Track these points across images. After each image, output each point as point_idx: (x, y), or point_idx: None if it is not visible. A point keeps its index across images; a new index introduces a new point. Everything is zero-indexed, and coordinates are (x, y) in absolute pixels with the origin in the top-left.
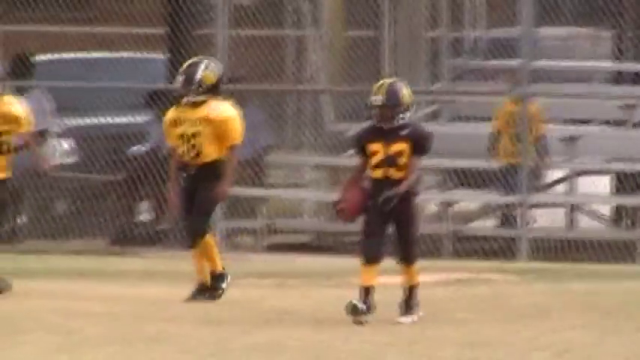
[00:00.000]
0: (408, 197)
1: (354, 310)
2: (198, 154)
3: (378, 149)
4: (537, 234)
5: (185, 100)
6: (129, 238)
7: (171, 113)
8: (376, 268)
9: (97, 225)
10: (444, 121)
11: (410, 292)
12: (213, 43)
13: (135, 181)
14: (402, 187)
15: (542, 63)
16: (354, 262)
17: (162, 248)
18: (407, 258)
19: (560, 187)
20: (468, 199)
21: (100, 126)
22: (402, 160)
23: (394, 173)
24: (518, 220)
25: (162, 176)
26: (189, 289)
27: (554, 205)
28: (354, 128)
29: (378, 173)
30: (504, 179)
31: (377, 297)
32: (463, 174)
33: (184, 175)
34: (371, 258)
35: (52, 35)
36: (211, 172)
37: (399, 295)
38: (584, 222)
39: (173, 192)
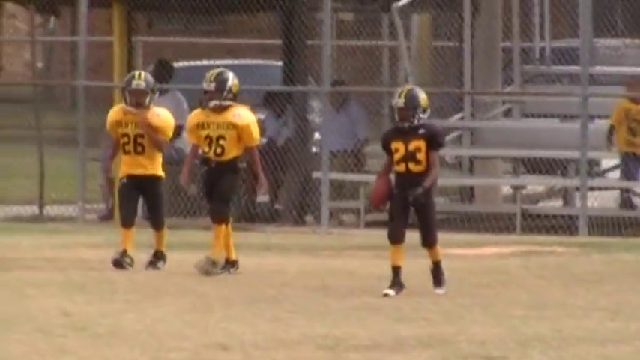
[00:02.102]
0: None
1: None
2: (222, 153)
3: (399, 147)
4: (595, 213)
5: (213, 104)
6: (250, 216)
7: (197, 117)
8: (401, 248)
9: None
10: (516, 118)
11: (435, 266)
12: (320, 52)
13: None
14: (427, 183)
15: (599, 69)
16: (442, 236)
17: (278, 225)
18: (428, 242)
19: (614, 174)
20: (536, 183)
21: None
22: (420, 156)
23: (413, 167)
24: (578, 200)
25: (276, 164)
26: (300, 259)
27: (607, 188)
28: (440, 123)
29: (401, 167)
30: (625, 165)
31: (468, 266)
32: (530, 162)
33: (205, 168)
34: (395, 239)
35: (185, 45)
36: (230, 167)
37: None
38: (635, 202)
39: (186, 173)
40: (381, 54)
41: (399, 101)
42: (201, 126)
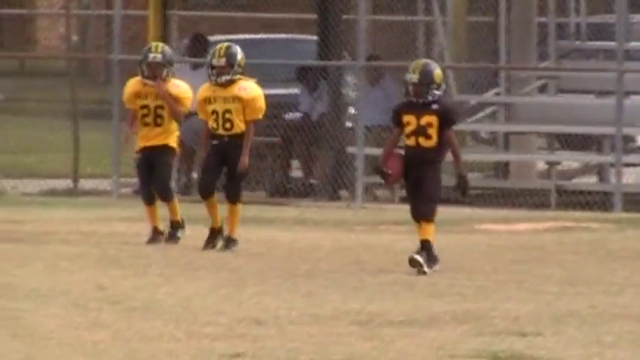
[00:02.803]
0: (435, 162)
1: (412, 263)
2: (231, 127)
3: (410, 120)
4: (630, 189)
5: (224, 79)
6: (284, 190)
7: (204, 91)
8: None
9: (257, 179)
10: (551, 93)
11: (422, 246)
12: (355, 26)
13: (289, 142)
14: (461, 169)
15: (634, 44)
16: (476, 211)
17: (312, 199)
18: (422, 213)
19: None
20: (571, 159)
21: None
22: (431, 131)
23: (424, 142)
24: (613, 176)
25: (311, 139)
26: (334, 234)
27: None
28: (475, 99)
29: (411, 141)
30: None
31: (502, 242)
32: (565, 138)
33: (216, 142)
34: (415, 217)
35: (221, 19)
36: (242, 142)
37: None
38: None
39: (204, 155)
40: (416, 29)
41: (413, 77)
42: (208, 101)
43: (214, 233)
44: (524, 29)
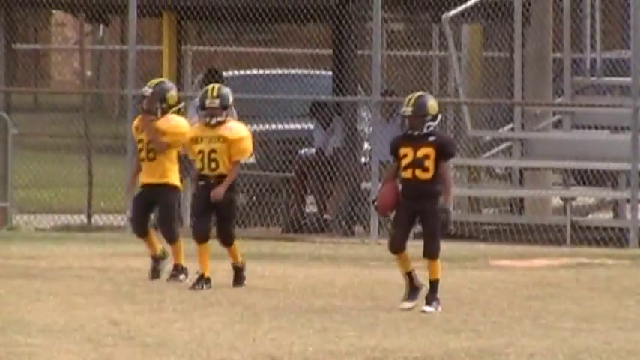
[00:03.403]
0: (434, 196)
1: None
2: (216, 168)
3: (407, 153)
4: None
5: (215, 121)
6: (298, 226)
7: (193, 131)
8: (404, 255)
9: (272, 215)
10: (566, 129)
11: (431, 286)
12: (370, 62)
13: (303, 178)
14: (448, 201)
15: None
16: (491, 247)
17: (327, 235)
18: (429, 252)
19: None
20: (586, 195)
21: (275, 131)
22: (428, 163)
23: (420, 174)
24: (628, 212)
25: (325, 174)
26: (349, 269)
27: None
28: (490, 134)
29: (408, 174)
30: None
31: (518, 278)
32: (580, 174)
33: (203, 183)
34: (394, 249)
35: (236, 54)
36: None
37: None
38: None
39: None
40: (431, 64)
41: (407, 110)
42: (194, 140)
43: (201, 278)
44: (540, 65)
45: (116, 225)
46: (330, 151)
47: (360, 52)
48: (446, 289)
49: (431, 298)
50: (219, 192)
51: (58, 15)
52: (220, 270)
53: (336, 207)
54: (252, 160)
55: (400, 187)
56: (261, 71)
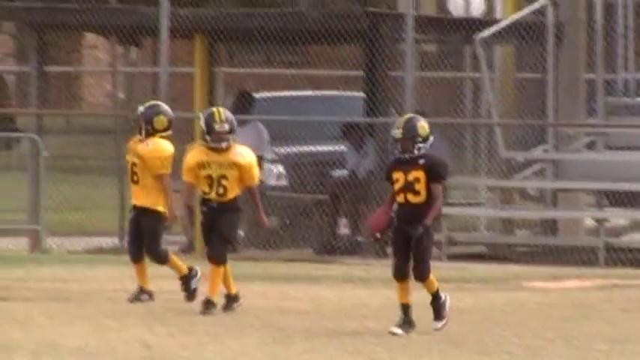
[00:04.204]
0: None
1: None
2: (224, 193)
3: (399, 177)
4: None
5: (224, 145)
6: (331, 248)
7: (197, 155)
8: (407, 285)
9: (304, 237)
10: (599, 150)
11: (433, 298)
12: (402, 83)
13: (336, 200)
14: (428, 220)
15: None
16: (524, 268)
17: (360, 257)
18: (419, 276)
19: None
20: (619, 216)
21: (308, 153)
22: (419, 186)
23: (412, 198)
24: None
25: (358, 196)
26: (382, 291)
27: None
28: (523, 155)
29: (400, 198)
30: None
31: (551, 299)
32: (613, 195)
33: (205, 209)
34: (399, 277)
35: (267, 76)
36: (231, 206)
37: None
38: None
39: (185, 215)
40: (464, 85)
41: (397, 132)
42: (202, 165)
43: (230, 299)
44: (572, 86)
45: None
46: (363, 173)
47: (392, 74)
48: (479, 311)
49: (438, 309)
50: (264, 220)
51: (89, 37)
52: (251, 292)
53: (368, 229)
54: (284, 182)
55: (396, 212)
56: (292, 93)
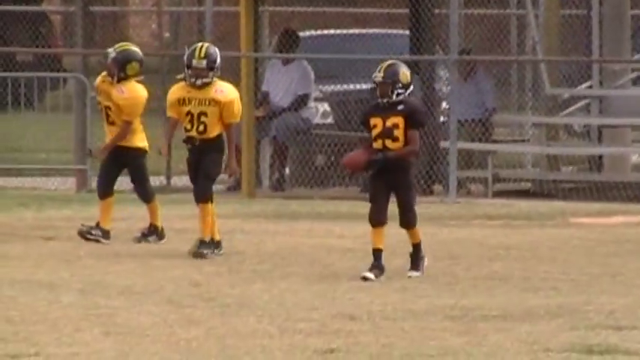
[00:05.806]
0: (405, 167)
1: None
2: (204, 131)
3: (377, 123)
4: None
5: (201, 82)
6: None
7: (178, 92)
8: (382, 230)
9: (349, 175)
10: None
11: (414, 248)
12: (447, 21)
13: None
14: (390, 155)
15: None
16: (570, 205)
17: None
18: (406, 223)
19: None
20: None
21: (353, 91)
22: (397, 132)
23: (390, 144)
24: None
25: None
26: (428, 228)
27: None
28: (569, 92)
29: (378, 144)
30: None
31: (596, 235)
32: None
33: (189, 146)
34: (375, 222)
35: (312, 15)
36: (214, 145)
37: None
38: None
39: (165, 146)
40: (509, 23)
41: (378, 75)
42: (182, 101)
43: (208, 243)
44: (618, 22)
45: None
46: None
47: (437, 11)
48: (525, 248)
49: (416, 261)
50: (234, 167)
51: None
52: (297, 230)
53: (414, 166)
54: (330, 120)
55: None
56: (337, 31)
